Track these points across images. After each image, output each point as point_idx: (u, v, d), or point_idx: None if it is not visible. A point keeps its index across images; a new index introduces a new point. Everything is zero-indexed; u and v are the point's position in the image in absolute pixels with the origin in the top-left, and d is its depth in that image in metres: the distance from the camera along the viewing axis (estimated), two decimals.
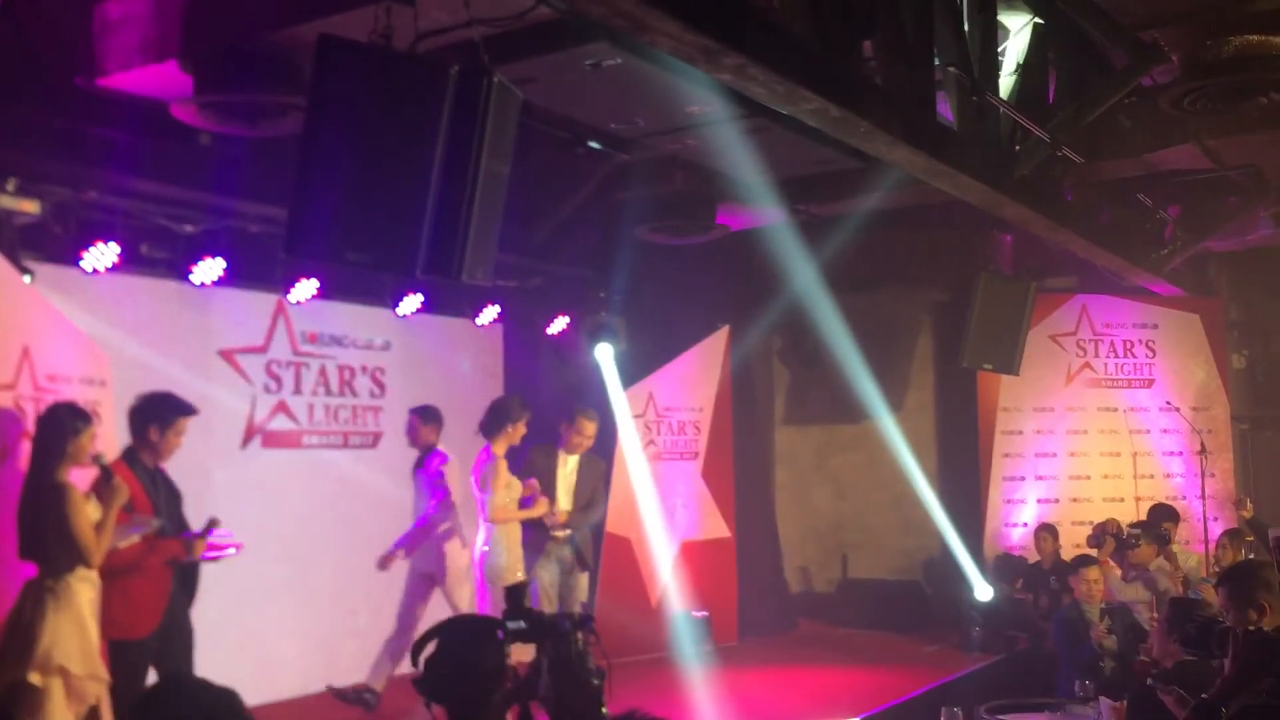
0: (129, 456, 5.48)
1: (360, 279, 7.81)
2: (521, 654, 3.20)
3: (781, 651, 9.40)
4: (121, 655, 5.26)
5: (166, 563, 5.44)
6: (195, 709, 2.29)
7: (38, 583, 4.94)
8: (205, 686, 2.37)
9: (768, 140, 6.95)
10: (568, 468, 7.30)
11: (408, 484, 8.51)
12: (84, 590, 5.01)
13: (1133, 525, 7.71)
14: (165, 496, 5.54)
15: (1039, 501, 10.25)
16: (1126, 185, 8.27)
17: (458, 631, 3.05)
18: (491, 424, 6.96)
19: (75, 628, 4.91)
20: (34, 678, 4.79)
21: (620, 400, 9.11)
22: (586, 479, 7.37)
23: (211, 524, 5.51)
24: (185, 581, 5.58)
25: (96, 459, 5.17)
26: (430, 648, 2.99)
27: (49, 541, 4.94)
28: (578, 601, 7.23)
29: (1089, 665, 6.36)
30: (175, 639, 5.50)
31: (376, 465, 8.42)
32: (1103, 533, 8.09)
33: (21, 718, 4.79)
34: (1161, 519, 8.22)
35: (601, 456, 7.89)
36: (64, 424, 5.05)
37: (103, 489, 5.14)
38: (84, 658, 4.90)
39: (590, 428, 7.35)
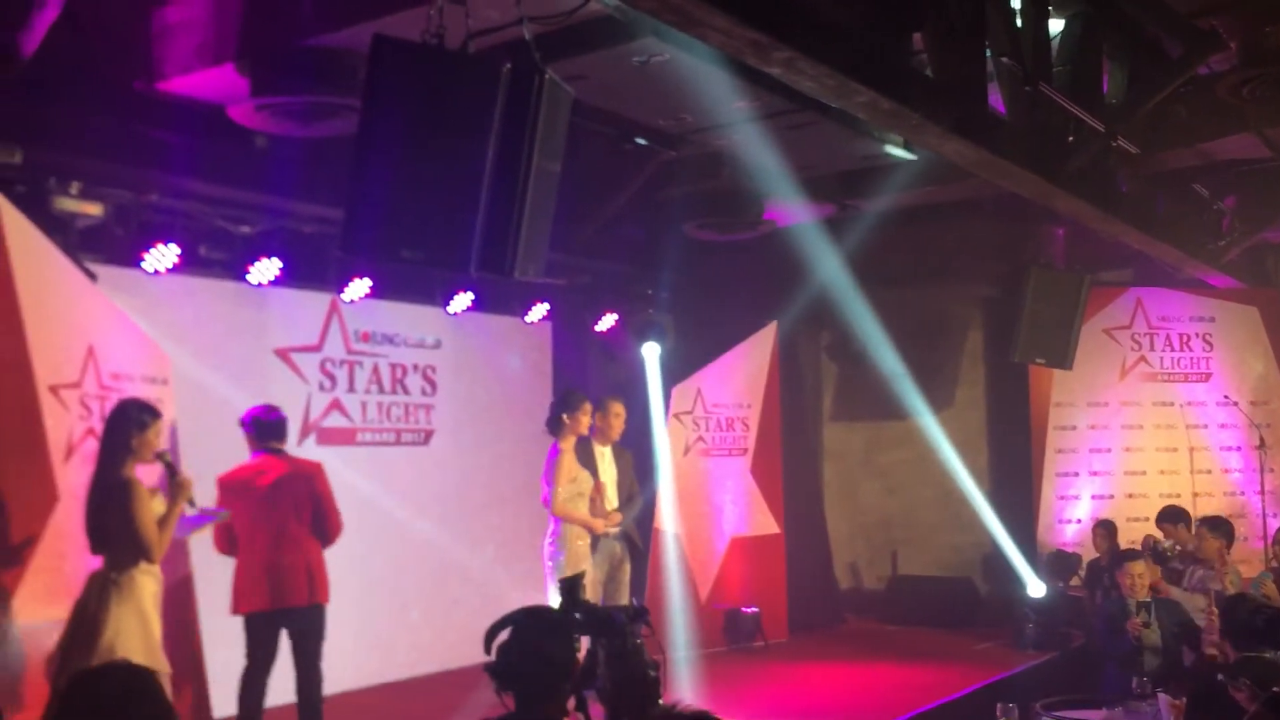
0: None
1: (411, 278, 7.89)
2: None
3: (832, 648, 9.37)
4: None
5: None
6: (113, 688, 2.45)
7: (103, 575, 5.05)
8: (125, 667, 2.57)
9: (815, 135, 6.94)
10: (605, 460, 7.34)
11: (459, 480, 8.62)
12: (147, 584, 5.11)
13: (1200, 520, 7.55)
14: None
15: (1093, 498, 10.13)
16: (1182, 176, 8.15)
17: (532, 622, 3.08)
18: (551, 419, 7.05)
19: (138, 621, 5.02)
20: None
21: (658, 398, 9.14)
22: (623, 470, 7.41)
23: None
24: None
25: (160, 455, 5.28)
26: (503, 635, 3.04)
27: (113, 536, 5.05)
28: (624, 595, 7.26)
29: (1128, 659, 6.29)
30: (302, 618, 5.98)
31: (428, 462, 8.51)
32: (1145, 556, 7.91)
33: None
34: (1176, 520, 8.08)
35: (634, 450, 7.92)
36: (130, 419, 5.16)
37: (168, 485, 5.25)
38: (146, 650, 4.99)
39: (620, 409, 7.37)
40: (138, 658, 4.90)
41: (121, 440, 5.13)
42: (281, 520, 5.95)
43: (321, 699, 6.15)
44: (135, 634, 4.99)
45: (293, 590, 5.95)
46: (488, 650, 3.02)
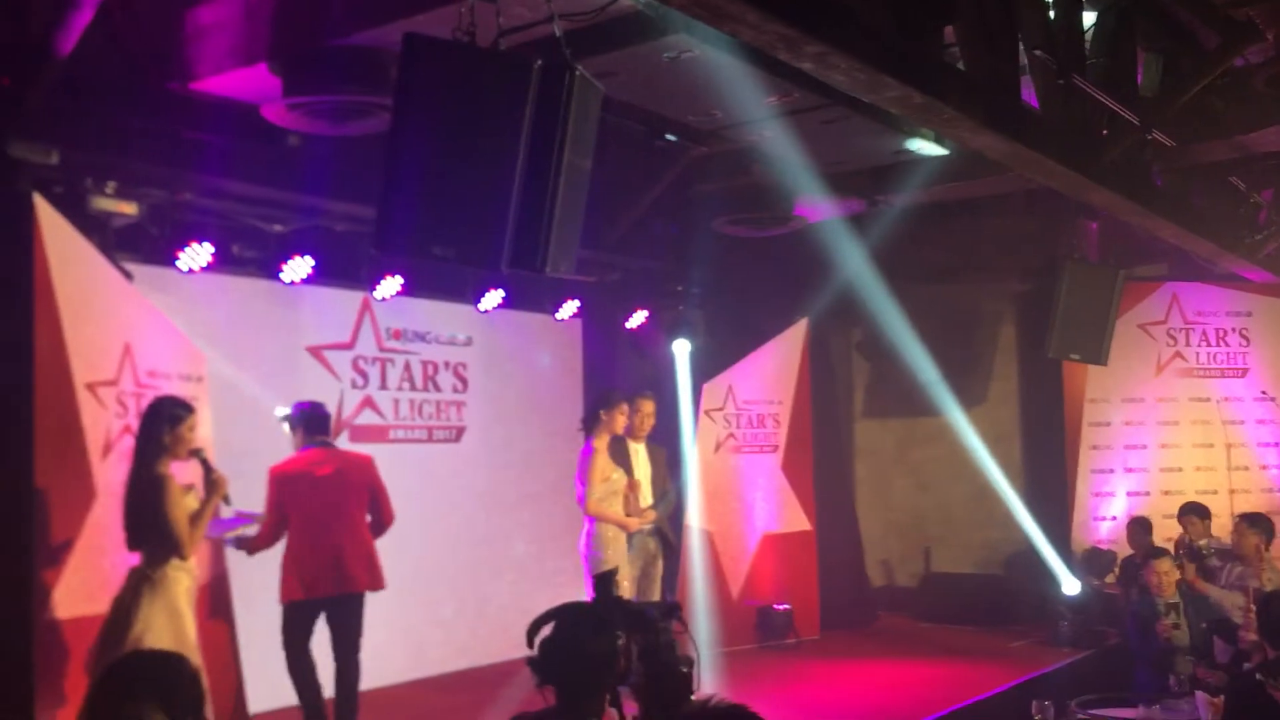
0: None
1: (442, 276, 7.92)
2: None
3: (864, 645, 9.34)
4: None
5: None
6: (144, 673, 2.53)
7: (139, 571, 5.12)
8: (155, 654, 2.54)
9: (846, 130, 6.91)
10: (639, 457, 7.34)
11: (490, 477, 8.66)
12: (181, 579, 5.16)
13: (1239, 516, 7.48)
14: None
15: (1128, 494, 10.04)
16: (1219, 169, 8.06)
17: (574, 618, 3.09)
18: (587, 417, 7.09)
19: (168, 616, 5.07)
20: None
21: (687, 394, 9.13)
22: (657, 465, 7.41)
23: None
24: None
25: (196, 453, 5.33)
26: (546, 630, 3.05)
27: (147, 532, 5.11)
28: (657, 592, 7.27)
29: (1160, 659, 6.24)
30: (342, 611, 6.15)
31: (460, 459, 8.55)
32: (1177, 555, 7.85)
33: None
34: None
35: (669, 447, 7.93)
36: (164, 416, 5.22)
37: (204, 482, 5.30)
38: (176, 645, 5.03)
39: (650, 406, 7.39)
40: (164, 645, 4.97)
41: (156, 436, 5.19)
42: (344, 509, 6.15)
43: (358, 690, 6.23)
44: (165, 629, 5.04)
45: (354, 577, 6.14)
46: (530, 644, 3.03)
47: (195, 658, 5.11)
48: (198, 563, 5.48)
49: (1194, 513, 8.04)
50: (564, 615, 3.09)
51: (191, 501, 5.22)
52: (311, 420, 6.27)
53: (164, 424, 5.21)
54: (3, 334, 5.30)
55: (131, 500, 5.17)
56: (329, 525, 6.08)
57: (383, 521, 6.31)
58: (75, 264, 5.51)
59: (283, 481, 6.12)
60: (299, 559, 6.09)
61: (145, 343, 5.91)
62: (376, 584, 6.27)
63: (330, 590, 6.11)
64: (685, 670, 3.36)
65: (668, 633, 3.50)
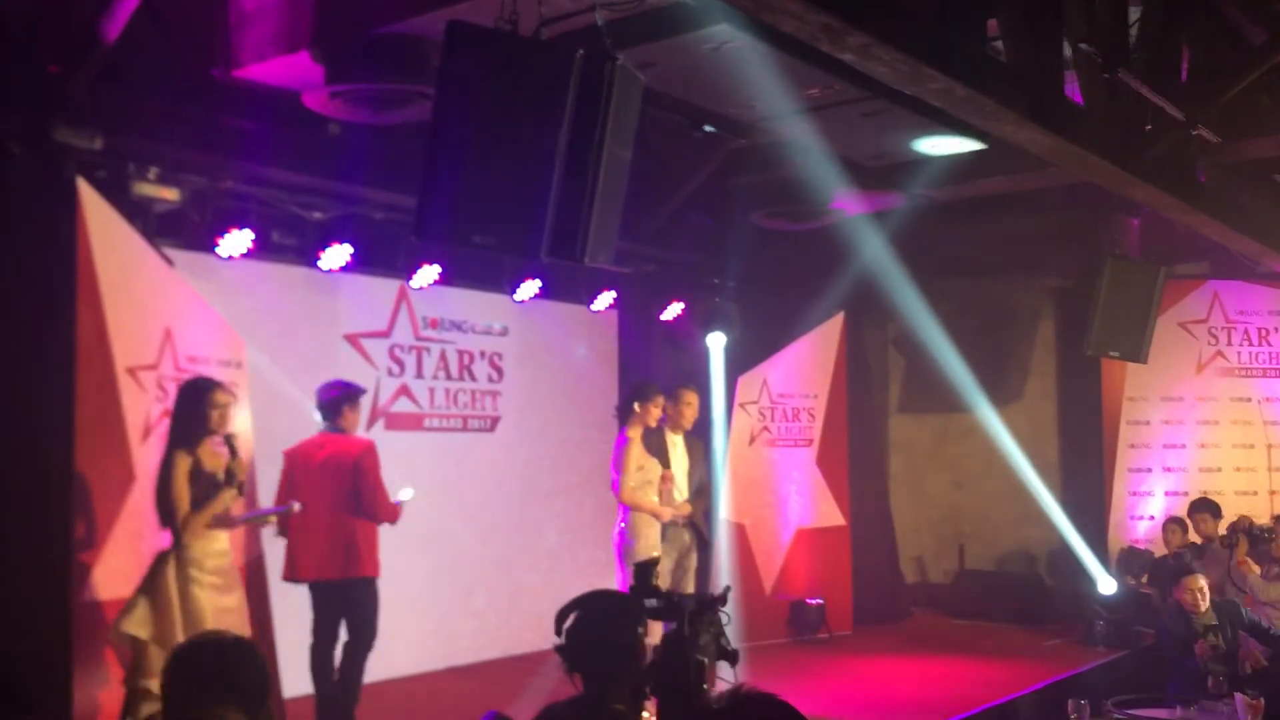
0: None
1: (479, 265, 7.95)
2: (654, 632, 3.26)
3: (897, 641, 9.30)
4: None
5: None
6: (211, 658, 2.56)
7: (163, 551, 5.24)
8: (223, 638, 2.70)
9: (887, 123, 6.86)
10: (678, 449, 7.33)
11: (524, 467, 8.67)
12: (205, 561, 5.22)
13: (1277, 519, 7.40)
14: None
15: (1166, 494, 9.92)
16: (1264, 166, 7.95)
17: (598, 606, 3.12)
18: (622, 406, 7.08)
19: (150, 598, 5.14)
20: (117, 637, 5.15)
21: (721, 387, 9.11)
22: (695, 458, 7.39)
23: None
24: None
25: (228, 438, 5.37)
26: (572, 618, 3.07)
27: (159, 510, 5.22)
28: (690, 584, 7.26)
29: (1198, 677, 6.15)
30: (355, 595, 6.18)
31: (494, 448, 8.57)
32: (1234, 531, 7.77)
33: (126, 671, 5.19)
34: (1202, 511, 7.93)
35: (702, 440, 7.91)
36: (189, 395, 5.31)
37: (226, 466, 5.35)
38: (153, 629, 5.11)
39: (693, 397, 7.35)
40: (142, 633, 5.05)
41: (181, 416, 5.29)
42: (326, 495, 6.12)
43: (360, 675, 6.24)
44: (142, 611, 5.13)
45: (331, 564, 6.14)
46: (559, 632, 3.05)
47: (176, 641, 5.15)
48: (235, 546, 5.54)
49: (1206, 510, 7.94)
50: (590, 603, 3.11)
51: (204, 484, 5.26)
52: (320, 406, 6.27)
53: (191, 402, 5.29)
54: (45, 318, 5.37)
55: (157, 479, 5.27)
56: (315, 510, 6.05)
57: (364, 509, 6.17)
58: (117, 249, 5.56)
59: (286, 461, 6.24)
60: (290, 541, 6.18)
61: (186, 328, 5.96)
62: (351, 571, 6.16)
63: (310, 574, 6.17)
64: (702, 661, 3.35)
65: (697, 625, 3.50)
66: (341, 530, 6.14)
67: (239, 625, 5.41)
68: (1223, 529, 7.91)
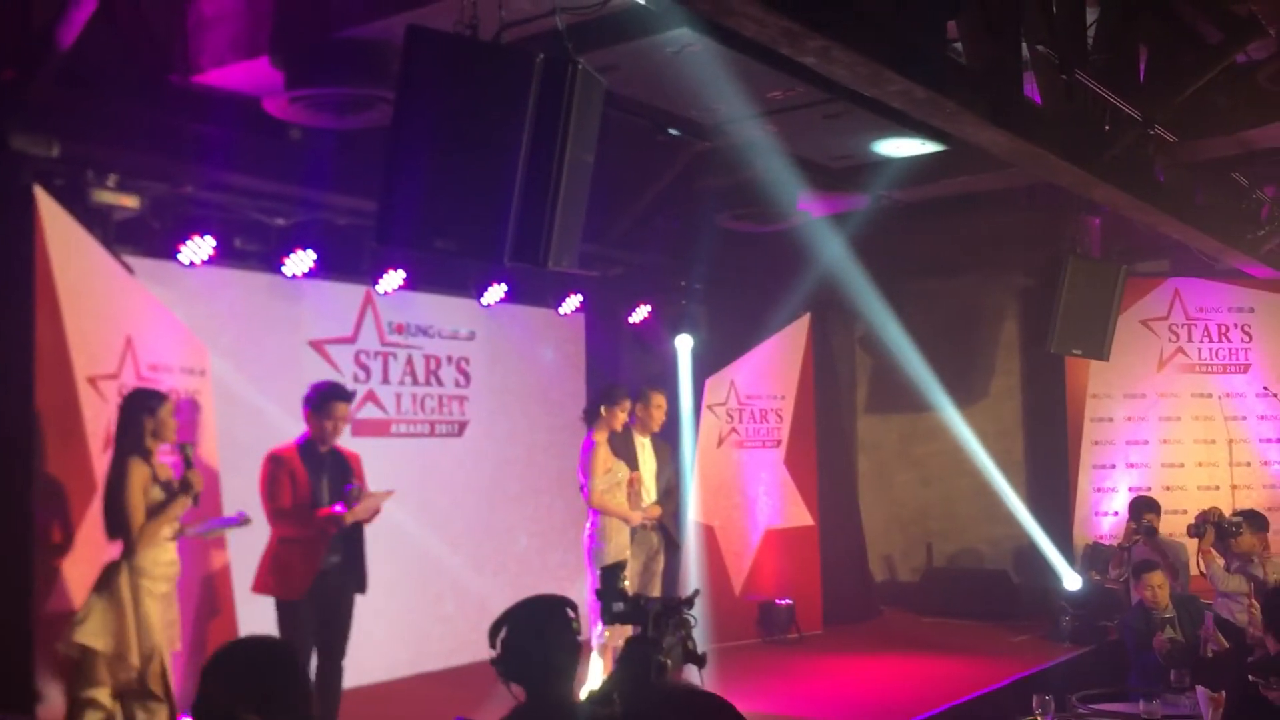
0: (303, 443, 5.78)
1: (445, 270, 7.92)
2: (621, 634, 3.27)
3: (866, 640, 9.34)
4: (279, 612, 5.71)
5: (316, 533, 5.70)
6: (253, 657, 2.61)
7: (112, 561, 5.17)
8: (259, 641, 2.75)
9: (850, 125, 6.90)
10: (646, 451, 7.34)
11: (492, 471, 8.64)
12: (148, 572, 5.16)
13: (1235, 513, 7.49)
14: (332, 480, 5.79)
15: (1130, 490, 10.01)
16: (1221, 165, 8.04)
17: (528, 610, 3.14)
18: (589, 410, 7.06)
19: (105, 607, 5.08)
20: (68, 647, 5.07)
21: (689, 389, 9.13)
22: (663, 460, 7.40)
23: (351, 496, 5.73)
24: (348, 558, 5.86)
25: (182, 447, 5.32)
26: (504, 631, 3.08)
27: (108, 520, 5.16)
28: (657, 587, 7.26)
29: (1156, 672, 6.23)
30: (334, 608, 5.81)
31: (462, 453, 8.55)
32: (1203, 521, 7.85)
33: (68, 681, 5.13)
34: (1144, 510, 7.97)
35: (670, 442, 7.91)
36: (136, 406, 5.25)
37: (180, 476, 5.28)
38: (112, 639, 5.06)
39: (661, 400, 7.35)
40: (99, 644, 5.00)
41: (129, 426, 5.23)
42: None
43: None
44: (99, 621, 5.06)
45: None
46: (492, 646, 3.07)
47: (133, 656, 5.09)
48: (197, 559, 5.49)
49: (1149, 509, 8.01)
50: (518, 614, 3.13)
51: (158, 493, 5.20)
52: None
53: (138, 414, 5.22)
54: (4, 327, 5.31)
55: (105, 489, 5.22)
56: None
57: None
58: (76, 257, 5.51)
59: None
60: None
61: (147, 336, 5.91)
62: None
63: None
64: (663, 662, 3.37)
65: (661, 629, 3.50)
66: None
67: (174, 641, 5.39)
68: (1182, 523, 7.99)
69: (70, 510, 5.41)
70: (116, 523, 5.15)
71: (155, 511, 5.17)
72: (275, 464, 5.74)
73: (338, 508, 5.70)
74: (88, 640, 5.03)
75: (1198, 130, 7.12)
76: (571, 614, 3.13)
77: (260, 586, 5.74)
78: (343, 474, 5.86)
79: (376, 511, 5.92)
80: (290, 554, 5.70)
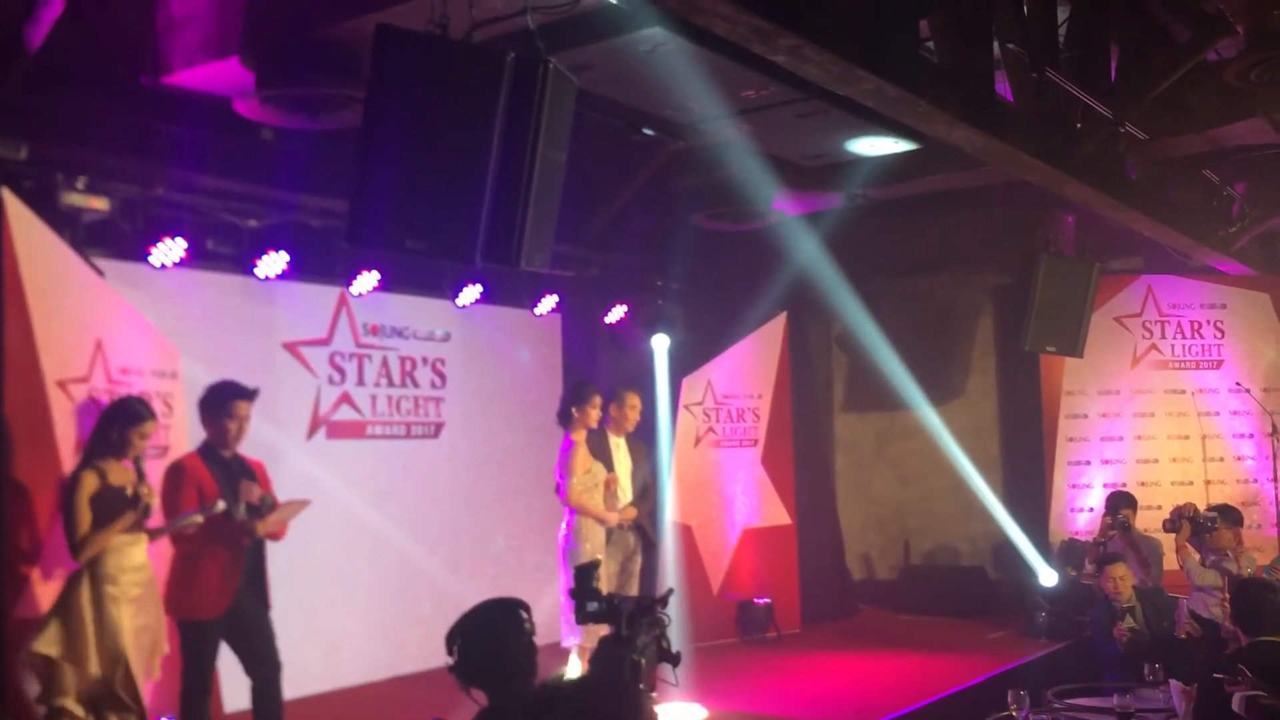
0: (204, 449, 5.48)
1: (420, 271, 7.89)
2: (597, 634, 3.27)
3: (845, 638, 9.35)
4: (189, 635, 5.31)
5: (230, 546, 5.33)
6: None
7: (79, 568, 5.12)
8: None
9: (824, 124, 6.91)
10: (621, 451, 7.32)
11: (469, 473, 8.61)
12: (112, 579, 5.12)
13: (1210, 509, 7.55)
14: (237, 485, 5.41)
15: (1105, 486, 10.08)
16: (1192, 162, 8.11)
17: (483, 617, 3.16)
18: (562, 411, 7.03)
19: (61, 618, 5.05)
20: (29, 657, 5.04)
21: (666, 389, 9.13)
22: (638, 460, 7.38)
23: (257, 507, 5.38)
24: (250, 573, 5.47)
25: (137, 460, 5.25)
26: (460, 639, 3.09)
27: (64, 528, 5.11)
28: (634, 587, 7.25)
29: (1123, 662, 6.29)
30: (251, 625, 5.45)
31: (439, 454, 8.52)
32: (1179, 517, 7.92)
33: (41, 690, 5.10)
34: (1121, 505, 8.04)
35: (646, 442, 7.90)
36: (119, 415, 5.21)
37: (133, 488, 5.19)
38: (65, 649, 5.03)
39: (635, 399, 7.33)
40: (54, 651, 4.98)
41: (101, 434, 5.19)
42: None
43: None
44: (54, 631, 5.03)
45: None
46: (449, 653, 3.09)
47: (93, 665, 5.05)
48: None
49: (1126, 504, 8.07)
50: (473, 619, 3.15)
51: (114, 502, 5.12)
52: None
53: (116, 423, 5.18)
54: None
55: (61, 497, 5.19)
56: None
57: None
58: (45, 260, 5.46)
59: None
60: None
61: (118, 339, 5.86)
62: None
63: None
64: (638, 661, 3.37)
65: (635, 628, 3.51)
66: None
67: (156, 644, 5.35)
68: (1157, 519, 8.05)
69: (38, 516, 5.35)
70: (65, 532, 5.10)
71: (101, 523, 5.07)
72: (177, 473, 5.34)
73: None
74: (43, 649, 5.01)
75: (1168, 128, 7.18)
76: (524, 614, 3.14)
77: (172, 609, 5.35)
78: (249, 483, 5.46)
79: (284, 524, 5.54)
80: (203, 570, 5.29)
